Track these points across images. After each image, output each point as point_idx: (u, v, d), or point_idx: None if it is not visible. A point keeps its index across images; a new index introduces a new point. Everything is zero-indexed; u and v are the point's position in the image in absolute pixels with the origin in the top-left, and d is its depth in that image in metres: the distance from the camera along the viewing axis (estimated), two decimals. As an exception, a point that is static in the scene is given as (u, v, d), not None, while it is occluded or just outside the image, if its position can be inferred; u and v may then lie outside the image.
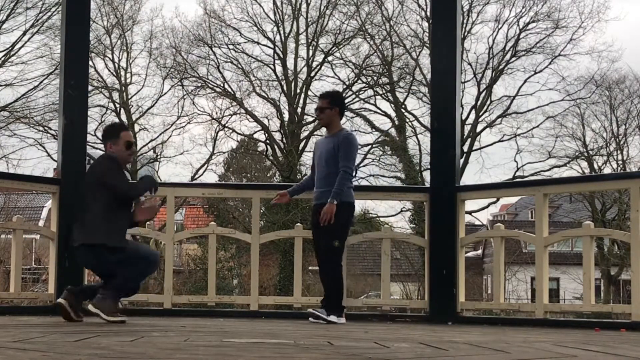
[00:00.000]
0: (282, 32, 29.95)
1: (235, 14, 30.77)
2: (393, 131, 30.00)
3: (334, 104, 7.18)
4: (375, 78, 30.56)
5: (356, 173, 29.41)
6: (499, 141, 29.67)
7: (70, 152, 7.76)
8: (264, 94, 29.94)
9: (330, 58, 30.05)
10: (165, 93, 29.84)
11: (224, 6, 31.08)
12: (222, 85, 29.98)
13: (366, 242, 16.88)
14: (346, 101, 29.71)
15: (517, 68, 29.57)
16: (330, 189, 6.95)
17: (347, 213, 7.04)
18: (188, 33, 30.19)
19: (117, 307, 6.19)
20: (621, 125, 30.44)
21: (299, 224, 8.45)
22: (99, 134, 26.45)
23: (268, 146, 30.68)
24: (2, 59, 26.93)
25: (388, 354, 3.62)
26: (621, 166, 29.87)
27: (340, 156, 6.97)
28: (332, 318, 6.82)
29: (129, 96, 29.69)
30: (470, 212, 27.68)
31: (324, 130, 7.63)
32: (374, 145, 29.82)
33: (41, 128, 27.36)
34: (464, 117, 28.45)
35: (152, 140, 29.88)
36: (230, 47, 29.96)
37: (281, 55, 29.89)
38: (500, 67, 29.63)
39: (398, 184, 28.27)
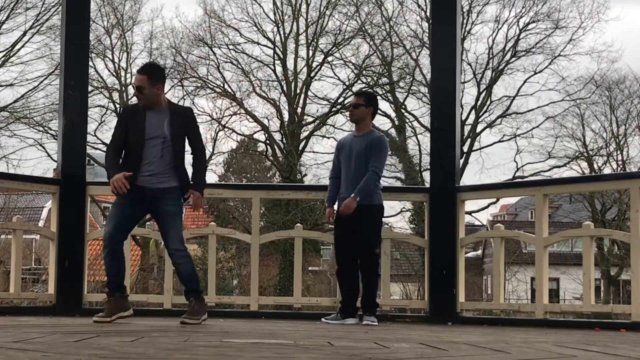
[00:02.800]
0: (282, 32, 29.97)
1: (235, 14, 30.84)
2: (393, 131, 30.00)
3: (369, 103, 7.21)
4: (375, 78, 30.56)
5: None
6: (499, 141, 29.69)
7: (70, 152, 7.76)
8: (264, 94, 29.96)
9: (330, 58, 30.07)
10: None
11: (224, 6, 31.10)
12: (222, 85, 29.99)
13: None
14: (346, 102, 29.80)
15: (517, 68, 29.60)
16: None
17: (380, 215, 7.10)
18: (188, 33, 30.22)
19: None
20: (621, 126, 30.45)
21: (299, 224, 8.45)
22: (100, 134, 26.31)
23: (268, 146, 30.68)
24: (2, 59, 26.92)
25: (388, 354, 3.62)
26: (621, 166, 29.86)
27: (372, 156, 6.98)
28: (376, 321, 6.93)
29: (129, 96, 29.70)
30: (470, 213, 27.68)
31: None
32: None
33: (41, 128, 27.37)
34: (463, 118, 28.45)
35: (152, 141, 29.84)
36: (230, 47, 29.98)
37: (281, 56, 29.90)
38: (500, 67, 29.63)
39: (398, 184, 28.26)
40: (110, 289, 6.12)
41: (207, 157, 6.44)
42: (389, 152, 29.24)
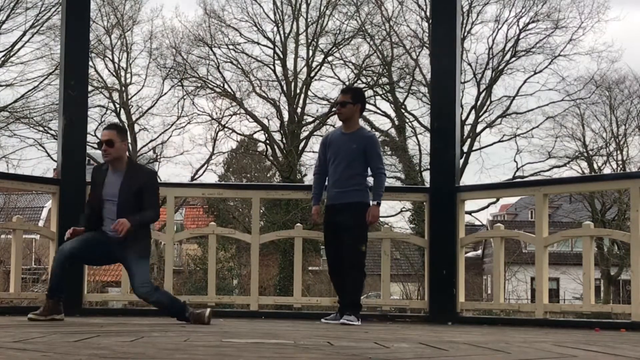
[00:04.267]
0: (282, 32, 29.98)
1: (235, 14, 30.80)
2: (393, 131, 30.01)
3: (356, 99, 7.14)
4: (375, 78, 30.57)
5: None
6: (499, 141, 29.71)
7: (70, 152, 7.76)
8: (263, 94, 29.97)
9: (330, 58, 30.09)
10: (165, 93, 29.81)
11: (224, 6, 31.10)
12: (222, 85, 30.00)
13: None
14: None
15: (517, 68, 29.63)
16: (351, 189, 6.97)
17: (365, 215, 7.03)
18: (188, 33, 30.24)
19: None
20: (621, 126, 30.47)
21: (299, 224, 8.45)
22: (99, 134, 26.48)
23: (268, 146, 30.69)
24: (2, 59, 26.93)
25: (388, 354, 3.62)
26: (621, 166, 29.87)
27: (371, 158, 6.98)
28: (356, 320, 6.85)
29: (129, 96, 29.71)
30: (470, 212, 27.69)
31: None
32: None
33: (41, 128, 27.39)
34: (463, 118, 28.46)
35: (152, 141, 29.92)
36: (230, 47, 30.00)
37: (281, 56, 29.90)
38: (500, 67, 29.65)
39: (398, 184, 28.27)
40: (51, 292, 6.34)
41: (155, 217, 6.66)
42: (388, 152, 29.26)
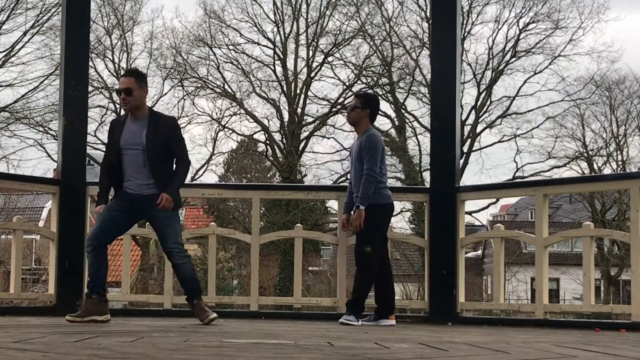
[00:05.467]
0: (282, 32, 29.97)
1: (235, 14, 30.79)
2: (393, 132, 30.01)
3: (366, 105, 7.17)
4: (375, 79, 30.57)
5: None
6: (499, 142, 29.68)
7: (70, 152, 7.76)
8: (263, 95, 29.96)
9: (330, 59, 30.07)
10: (165, 93, 29.81)
11: (224, 7, 31.10)
12: (222, 85, 29.99)
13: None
14: (346, 102, 29.78)
15: (517, 68, 29.60)
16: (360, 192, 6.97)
17: (376, 216, 6.95)
18: (188, 34, 30.23)
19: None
20: (621, 126, 30.45)
21: (299, 225, 8.45)
22: (100, 134, 26.28)
23: (268, 147, 30.68)
24: (3, 59, 26.93)
25: (388, 355, 3.62)
26: (621, 167, 29.86)
27: (364, 158, 6.96)
28: (361, 322, 6.85)
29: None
30: (470, 213, 27.68)
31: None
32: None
33: (41, 129, 27.37)
34: (463, 118, 28.45)
35: (152, 141, 29.82)
36: (230, 47, 29.98)
37: (281, 56, 29.90)
38: (500, 67, 29.63)
39: (398, 184, 28.26)
40: (90, 290, 6.15)
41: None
42: (388, 152, 29.24)
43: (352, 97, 7.47)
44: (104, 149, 6.49)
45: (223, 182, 27.16)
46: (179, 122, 6.50)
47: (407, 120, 29.98)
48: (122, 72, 6.62)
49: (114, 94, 6.06)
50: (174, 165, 6.24)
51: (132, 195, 6.13)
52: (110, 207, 6.20)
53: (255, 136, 31.02)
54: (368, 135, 7.09)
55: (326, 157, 29.86)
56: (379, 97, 19.23)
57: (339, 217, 7.48)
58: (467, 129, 29.15)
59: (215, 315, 6.16)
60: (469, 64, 29.05)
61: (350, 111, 7.19)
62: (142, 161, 6.07)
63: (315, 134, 29.91)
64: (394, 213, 7.85)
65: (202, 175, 29.61)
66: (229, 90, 29.86)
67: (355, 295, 6.96)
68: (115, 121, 6.41)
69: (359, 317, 6.87)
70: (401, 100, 29.98)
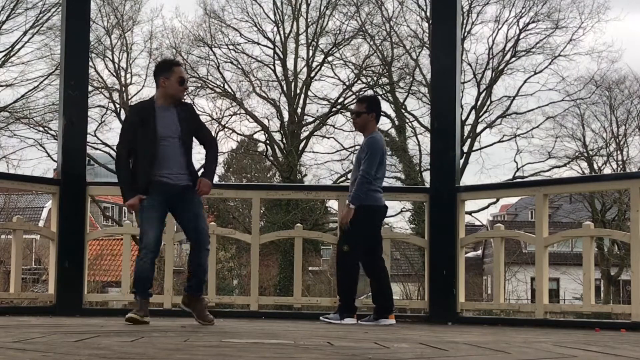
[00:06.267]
0: (282, 32, 29.97)
1: (235, 14, 30.79)
2: (393, 131, 30.00)
3: (371, 109, 7.20)
4: (375, 78, 30.57)
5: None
6: (499, 141, 29.68)
7: (70, 152, 7.76)
8: (264, 94, 29.97)
9: (330, 58, 30.07)
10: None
11: (224, 6, 31.09)
12: (222, 85, 30.00)
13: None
14: (346, 102, 29.80)
15: (517, 68, 29.61)
16: (352, 192, 7.03)
17: (366, 217, 7.00)
18: (188, 33, 30.24)
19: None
20: (621, 126, 30.45)
21: (299, 224, 8.45)
22: (100, 134, 26.27)
23: (268, 146, 30.69)
24: (3, 59, 26.92)
25: (388, 354, 3.62)
26: (621, 166, 29.86)
27: (363, 160, 7.01)
28: (347, 320, 6.90)
29: (129, 97, 29.69)
30: (470, 213, 27.68)
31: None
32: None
33: (41, 128, 27.35)
34: (464, 118, 28.44)
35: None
36: (230, 47, 29.99)
37: (281, 56, 29.90)
38: (500, 67, 29.63)
39: (398, 184, 28.26)
40: (141, 292, 6.03)
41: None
42: (389, 152, 29.24)
43: (355, 101, 7.43)
44: (120, 136, 6.29)
45: (223, 182, 27.18)
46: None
47: (407, 120, 30.00)
48: (177, 62, 6.52)
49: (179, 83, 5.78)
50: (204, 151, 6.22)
51: (170, 187, 6.04)
52: (154, 205, 6.03)
53: (255, 136, 31.07)
54: (371, 137, 7.13)
55: (326, 157, 29.89)
56: (380, 97, 19.27)
57: (338, 217, 7.50)
58: (467, 129, 29.15)
59: (213, 320, 6.11)
60: (469, 64, 29.08)
61: (356, 117, 7.22)
62: (178, 150, 6.04)
63: (315, 133, 29.92)
64: (387, 215, 7.85)
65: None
66: (229, 90, 29.87)
67: (341, 298, 7.05)
68: (139, 106, 6.33)
69: (343, 316, 6.92)
70: (401, 100, 29.99)
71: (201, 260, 6.12)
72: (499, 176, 32.19)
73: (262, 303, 8.22)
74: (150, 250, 5.98)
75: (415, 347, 4.08)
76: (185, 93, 6.20)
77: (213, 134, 8.99)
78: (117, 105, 29.46)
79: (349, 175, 7.63)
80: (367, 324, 6.87)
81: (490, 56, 29.43)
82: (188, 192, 6.08)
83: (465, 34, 28.91)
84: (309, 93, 29.88)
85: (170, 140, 6.04)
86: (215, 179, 6.56)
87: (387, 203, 7.28)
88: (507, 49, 29.55)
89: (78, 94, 7.78)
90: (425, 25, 28.75)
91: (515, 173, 29.28)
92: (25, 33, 26.87)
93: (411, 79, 29.71)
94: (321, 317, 7.06)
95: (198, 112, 6.64)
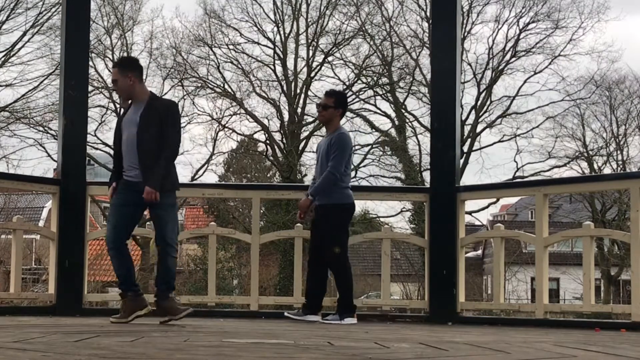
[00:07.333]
0: (282, 32, 29.97)
1: (235, 14, 30.82)
2: (393, 131, 30.00)
3: (338, 104, 7.22)
4: (375, 78, 30.56)
5: (356, 173, 29.48)
6: (499, 141, 29.69)
7: (70, 152, 7.76)
8: (264, 94, 29.97)
9: (330, 58, 30.08)
10: (165, 93, 29.78)
11: (224, 6, 31.07)
12: (222, 85, 29.99)
13: (366, 242, 16.88)
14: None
15: (517, 68, 29.61)
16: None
17: (338, 215, 7.06)
18: (188, 33, 30.24)
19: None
20: (621, 126, 30.45)
21: (299, 224, 8.44)
22: (100, 134, 26.26)
23: (268, 146, 30.69)
24: (2, 59, 26.92)
25: (388, 354, 3.62)
26: (621, 166, 29.86)
27: (332, 156, 7.01)
28: (347, 321, 6.91)
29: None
30: (470, 213, 27.68)
31: (324, 130, 7.65)
32: (374, 146, 29.84)
33: (41, 128, 27.36)
34: (464, 118, 28.45)
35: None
36: (231, 47, 29.99)
37: (281, 56, 29.90)
38: (500, 67, 29.64)
39: (398, 184, 28.25)
40: (123, 289, 6.09)
41: (175, 154, 6.34)
42: (388, 152, 29.13)
43: (323, 95, 7.45)
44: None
45: (223, 182, 27.17)
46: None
47: (407, 120, 30.00)
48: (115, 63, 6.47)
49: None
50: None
51: (133, 185, 6.01)
52: (116, 203, 6.08)
53: (255, 136, 31.07)
54: (340, 133, 7.13)
55: (326, 157, 29.83)
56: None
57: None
58: (467, 128, 29.15)
59: (188, 311, 6.03)
60: (469, 64, 29.08)
61: (323, 110, 7.19)
62: (135, 144, 5.96)
63: (315, 133, 29.89)
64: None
65: (202, 175, 29.64)
66: (229, 90, 29.87)
67: (341, 298, 7.05)
68: (124, 110, 6.36)
69: (344, 317, 6.95)
70: (401, 100, 29.99)
71: (163, 267, 6.09)
72: (499, 176, 32.20)
73: (262, 303, 8.22)
74: (109, 247, 6.01)
75: (415, 347, 4.08)
76: (118, 95, 6.19)
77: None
78: (117, 105, 29.47)
79: (313, 171, 7.64)
80: (294, 317, 7.01)
81: (490, 56, 29.44)
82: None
83: (465, 34, 28.91)
84: (309, 93, 29.89)
85: (129, 136, 6.02)
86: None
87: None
88: (507, 49, 29.58)
89: (78, 94, 7.78)
90: (425, 25, 28.76)
91: (515, 173, 29.31)
92: (25, 33, 26.89)
93: (411, 79, 29.73)
94: (321, 319, 7.05)
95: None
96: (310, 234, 7.33)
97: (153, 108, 6.03)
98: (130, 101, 6.17)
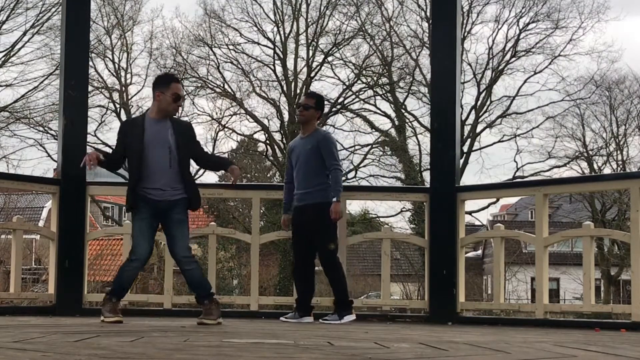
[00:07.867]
0: (282, 32, 29.97)
1: (235, 14, 30.78)
2: (393, 131, 30.00)
3: (319, 106, 7.31)
4: (375, 78, 30.56)
5: (356, 173, 29.55)
6: (499, 141, 29.70)
7: (70, 152, 7.75)
8: (264, 94, 29.97)
9: (330, 58, 30.07)
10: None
11: (224, 6, 31.09)
12: (222, 85, 30.00)
13: (366, 242, 16.89)
14: (346, 102, 29.86)
15: (517, 68, 29.62)
16: (312, 190, 7.07)
17: (327, 213, 7.05)
18: (188, 33, 30.25)
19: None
20: (621, 126, 30.46)
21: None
22: (100, 134, 26.28)
23: (268, 146, 30.69)
24: (3, 59, 26.92)
25: (388, 354, 3.62)
26: (621, 166, 29.86)
27: (326, 156, 7.06)
28: (347, 319, 6.96)
29: (129, 96, 29.70)
30: (470, 213, 27.68)
31: (324, 130, 7.66)
32: (374, 146, 29.85)
33: (41, 128, 27.36)
34: (463, 118, 28.45)
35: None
36: (230, 47, 29.99)
37: (281, 56, 29.89)
38: (500, 67, 29.64)
39: (398, 184, 28.25)
40: (118, 295, 6.20)
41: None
42: (388, 152, 29.11)
43: (303, 95, 7.58)
44: (113, 150, 6.47)
45: (223, 182, 27.13)
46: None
47: (407, 120, 30.00)
48: (175, 78, 6.59)
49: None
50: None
51: (155, 202, 6.09)
52: (145, 218, 6.12)
53: (255, 136, 31.06)
54: (326, 133, 7.34)
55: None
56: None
57: (282, 218, 7.50)
58: (467, 129, 29.15)
59: (220, 320, 6.13)
60: (469, 64, 29.08)
61: (304, 110, 7.24)
62: (168, 162, 6.09)
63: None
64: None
65: (202, 175, 29.64)
66: (229, 90, 29.87)
67: (341, 296, 7.08)
68: (131, 120, 6.47)
69: (343, 315, 6.97)
70: (401, 100, 29.99)
71: (189, 280, 6.22)
72: (499, 176, 32.22)
73: (262, 303, 8.22)
74: (141, 262, 6.16)
75: (415, 347, 4.08)
76: (178, 110, 6.31)
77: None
78: (117, 105, 29.48)
79: (285, 175, 7.64)
80: (289, 321, 7.02)
81: (490, 56, 29.44)
82: (175, 209, 6.11)
83: (465, 34, 28.91)
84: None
85: (158, 151, 6.08)
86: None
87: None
88: (507, 49, 29.58)
89: (78, 94, 7.78)
90: (425, 25, 28.76)
91: (515, 173, 29.32)
92: (25, 33, 26.89)
93: (411, 79, 29.73)
94: (320, 320, 7.06)
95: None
96: (293, 235, 7.31)
97: (182, 127, 6.34)
98: (144, 115, 6.28)
